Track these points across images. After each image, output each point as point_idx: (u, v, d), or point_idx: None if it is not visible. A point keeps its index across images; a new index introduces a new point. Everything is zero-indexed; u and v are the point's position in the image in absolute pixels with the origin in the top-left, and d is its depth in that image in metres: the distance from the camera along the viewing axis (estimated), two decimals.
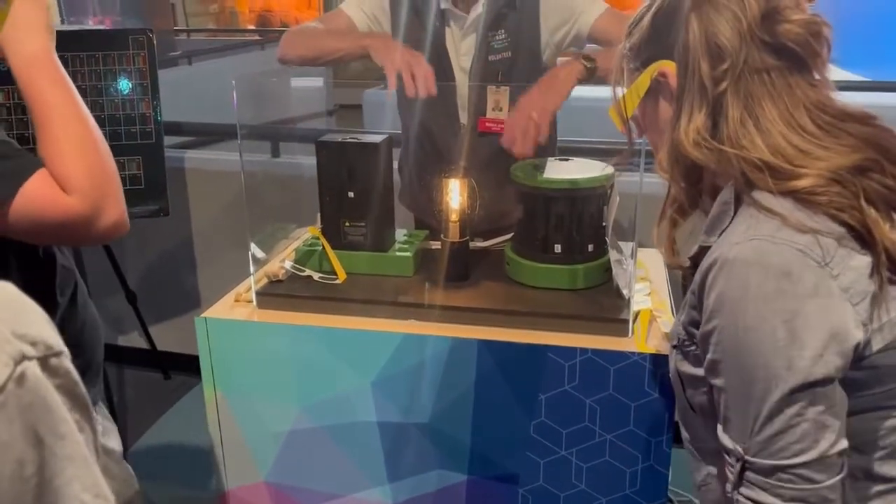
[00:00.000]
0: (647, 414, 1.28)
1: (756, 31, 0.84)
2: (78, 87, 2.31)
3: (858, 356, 0.78)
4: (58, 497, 0.39)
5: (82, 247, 1.04)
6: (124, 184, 2.28)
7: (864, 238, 0.79)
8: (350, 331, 1.37)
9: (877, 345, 0.79)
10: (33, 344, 0.40)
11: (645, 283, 1.48)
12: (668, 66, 0.91)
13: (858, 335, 0.77)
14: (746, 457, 0.80)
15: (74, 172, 0.98)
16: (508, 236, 1.57)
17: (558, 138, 1.98)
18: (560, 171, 1.47)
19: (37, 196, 0.96)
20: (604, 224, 1.45)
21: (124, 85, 2.27)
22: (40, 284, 1.10)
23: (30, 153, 0.99)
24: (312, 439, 1.44)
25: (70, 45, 2.17)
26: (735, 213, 0.86)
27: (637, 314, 1.35)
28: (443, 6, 1.72)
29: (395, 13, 1.76)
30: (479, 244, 1.68)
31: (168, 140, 2.94)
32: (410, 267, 1.50)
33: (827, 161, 0.80)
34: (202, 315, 1.42)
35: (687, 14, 0.88)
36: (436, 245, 1.55)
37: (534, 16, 1.71)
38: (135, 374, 2.98)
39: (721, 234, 0.86)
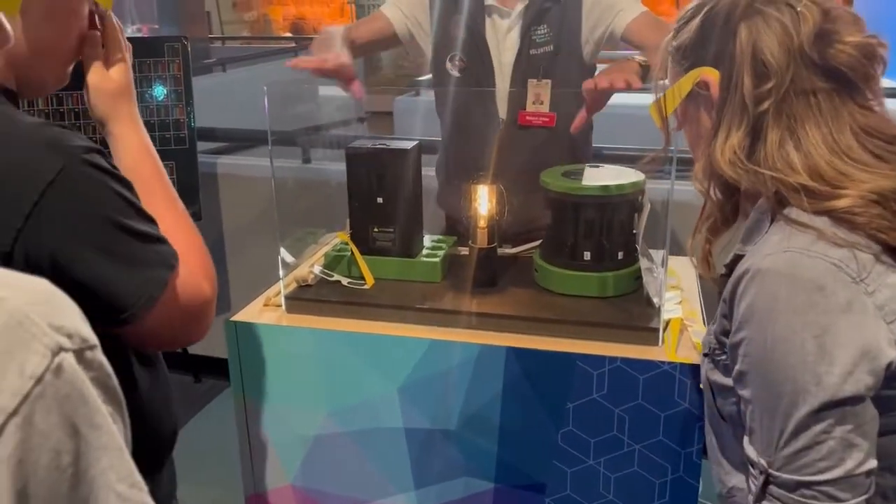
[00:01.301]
0: (677, 424, 1.26)
1: (806, 51, 0.81)
2: None
3: (891, 374, 0.76)
4: (92, 487, 0.40)
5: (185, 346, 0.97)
6: None
7: None
8: (377, 336, 1.37)
9: None
10: (69, 336, 0.41)
11: (676, 291, 1.46)
12: (712, 75, 0.88)
13: (891, 354, 0.75)
14: (770, 470, 0.78)
15: (201, 259, 0.93)
16: (537, 243, 1.56)
17: (593, 145, 1.97)
18: (591, 177, 1.46)
19: (184, 284, 0.87)
20: (634, 231, 1.44)
21: (159, 91, 2.31)
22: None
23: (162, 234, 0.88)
24: (339, 444, 1.44)
25: None
26: (772, 222, 0.84)
27: (668, 323, 1.33)
28: (487, 2, 1.72)
29: (435, 9, 1.77)
30: (508, 250, 1.68)
31: (201, 146, 2.99)
32: (438, 273, 1.50)
33: (871, 183, 0.78)
34: (231, 319, 1.43)
35: (736, 22, 0.84)
36: (465, 251, 1.55)
37: (576, 10, 1.71)
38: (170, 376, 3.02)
39: (756, 244, 0.84)
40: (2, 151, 0.77)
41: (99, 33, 0.95)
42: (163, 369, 1.02)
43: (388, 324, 1.39)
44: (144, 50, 2.27)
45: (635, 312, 1.35)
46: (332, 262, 1.53)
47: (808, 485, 0.76)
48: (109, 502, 0.41)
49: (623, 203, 1.40)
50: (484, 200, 1.45)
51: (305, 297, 1.46)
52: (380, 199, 1.48)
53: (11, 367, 0.38)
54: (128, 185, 0.84)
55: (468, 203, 1.46)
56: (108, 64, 0.96)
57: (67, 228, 0.78)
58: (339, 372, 1.40)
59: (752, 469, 0.82)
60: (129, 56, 0.99)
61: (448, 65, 1.75)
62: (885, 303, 0.75)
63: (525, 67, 1.70)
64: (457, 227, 1.93)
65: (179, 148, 2.30)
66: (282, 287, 1.46)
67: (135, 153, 0.95)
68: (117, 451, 0.42)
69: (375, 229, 1.50)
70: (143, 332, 0.85)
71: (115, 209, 0.81)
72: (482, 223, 1.46)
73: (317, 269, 1.51)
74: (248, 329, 1.43)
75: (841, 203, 0.77)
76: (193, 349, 2.89)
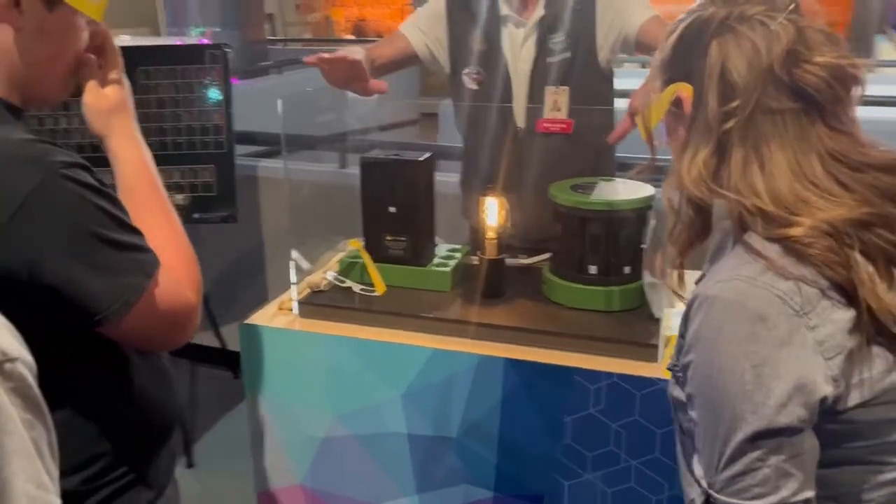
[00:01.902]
0: (674, 441, 1.25)
1: (775, 70, 0.79)
2: (157, 99, 2.43)
3: (830, 409, 0.75)
4: (5, 486, 0.45)
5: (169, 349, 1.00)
6: (197, 191, 2.43)
7: (849, 294, 0.75)
8: (383, 343, 1.40)
9: (853, 400, 0.76)
10: None
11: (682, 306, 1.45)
12: (685, 91, 0.87)
13: (826, 389, 0.74)
14: (710, 491, 0.79)
15: (188, 269, 0.97)
16: (548, 255, 1.57)
17: (618, 154, 1.96)
18: (601, 191, 1.46)
19: (164, 291, 0.90)
20: (643, 246, 1.44)
21: (210, 95, 2.40)
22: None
23: (146, 243, 0.92)
24: (346, 447, 1.48)
25: (150, 60, 2.31)
26: (734, 244, 0.84)
27: (669, 339, 1.32)
28: (503, 12, 1.74)
29: (452, 23, 1.79)
30: (523, 261, 1.69)
31: (245, 149, 3.08)
32: (448, 282, 1.52)
33: (827, 212, 0.76)
34: (246, 322, 1.49)
35: (708, 40, 0.83)
36: (477, 261, 1.57)
37: (590, 16, 1.71)
38: (206, 371, 3.12)
39: (716, 265, 0.84)
40: None
41: (93, 56, 1.00)
42: (163, 364, 1.06)
43: (395, 331, 1.43)
44: (186, 57, 2.36)
45: (637, 328, 1.35)
46: (346, 269, 1.57)
47: None
48: (19, 501, 0.45)
49: (630, 218, 1.40)
50: (492, 211, 1.47)
51: (317, 303, 1.50)
52: (392, 209, 1.51)
53: None
54: (110, 198, 0.88)
55: (477, 213, 1.48)
56: (103, 82, 1.00)
57: (43, 237, 0.82)
58: (346, 376, 1.44)
59: (697, 486, 0.83)
60: (121, 70, 1.02)
61: (465, 79, 1.77)
62: (826, 339, 0.74)
63: (542, 75, 1.71)
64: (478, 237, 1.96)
65: (218, 152, 2.38)
66: (294, 292, 1.51)
67: (131, 168, 1.00)
68: (27, 454, 0.46)
69: (388, 238, 1.54)
70: (123, 334, 0.89)
71: (91, 220, 0.85)
72: (490, 234, 1.47)
73: (330, 275, 1.56)
74: (262, 332, 1.48)
75: (794, 231, 0.76)
76: (232, 345, 2.98)
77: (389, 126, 5.21)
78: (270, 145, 2.98)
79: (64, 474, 0.90)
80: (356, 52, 1.67)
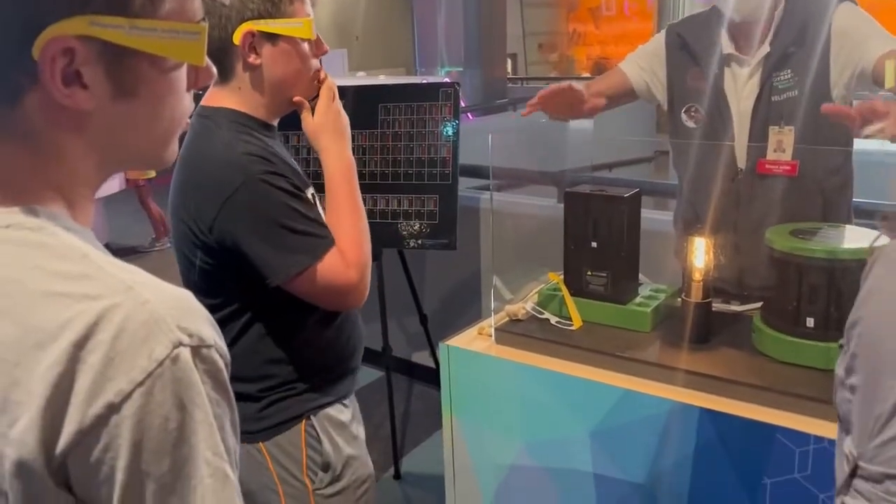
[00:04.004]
0: None
1: None
2: (393, 133, 2.65)
3: None
4: (190, 449, 0.53)
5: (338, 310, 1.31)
6: (422, 218, 2.59)
7: None
8: (575, 378, 1.40)
9: None
10: (190, 336, 0.54)
11: None
12: None
13: None
14: (860, 462, 0.73)
15: (358, 254, 1.23)
16: (760, 304, 1.46)
17: (854, 199, 1.78)
18: (824, 237, 1.34)
19: (329, 268, 1.19)
20: None
21: (442, 130, 2.57)
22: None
23: (326, 233, 1.21)
24: (532, 477, 1.49)
25: (391, 97, 2.53)
26: None
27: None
28: (725, 51, 1.68)
29: (671, 62, 1.76)
30: (733, 308, 1.59)
31: (472, 182, 3.23)
32: (648, 322, 1.48)
33: None
34: (446, 342, 1.56)
35: None
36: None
37: (825, 53, 1.58)
38: (421, 388, 3.29)
39: None
40: (216, 166, 1.18)
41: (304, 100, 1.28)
42: (346, 317, 1.35)
43: (588, 367, 1.41)
44: (422, 94, 2.54)
45: None
46: (545, 300, 1.59)
47: (895, 478, 0.69)
48: (199, 464, 0.54)
49: (854, 268, 1.26)
50: (700, 252, 1.41)
51: (514, 331, 1.54)
52: (594, 244, 1.51)
53: (144, 351, 0.52)
54: (296, 197, 1.19)
55: (684, 255, 1.43)
56: (315, 110, 1.27)
57: (242, 221, 1.16)
58: (536, 406, 1.45)
59: (844, 465, 0.76)
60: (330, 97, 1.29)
61: (684, 116, 1.72)
62: None
63: (765, 115, 1.61)
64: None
65: (443, 183, 2.52)
66: (492, 319, 1.56)
67: (332, 177, 1.27)
68: (210, 426, 0.54)
69: (589, 272, 1.53)
70: (294, 293, 1.20)
71: (278, 213, 1.16)
72: (696, 276, 1.41)
73: (529, 305, 1.58)
74: (460, 354, 1.55)
75: None
76: None
77: (622, 163, 5.15)
78: (499, 179, 3.09)
79: (243, 381, 1.22)
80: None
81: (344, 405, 1.36)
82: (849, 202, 1.69)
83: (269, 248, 1.17)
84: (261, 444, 1.28)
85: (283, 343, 1.27)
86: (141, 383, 0.51)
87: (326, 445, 1.31)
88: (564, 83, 1.65)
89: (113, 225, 5.95)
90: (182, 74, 0.63)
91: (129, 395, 0.51)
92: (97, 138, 0.60)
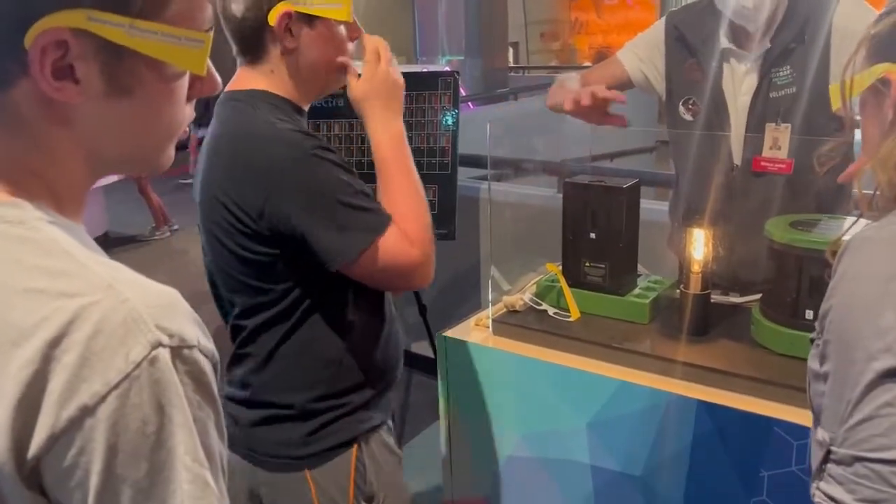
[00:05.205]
0: None
1: None
2: None
3: None
4: (168, 453, 0.51)
5: (402, 292, 1.23)
6: None
7: None
8: (572, 369, 1.39)
9: None
10: (170, 336, 0.52)
11: None
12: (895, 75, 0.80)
13: None
14: (832, 447, 0.73)
15: (417, 229, 1.14)
16: (759, 295, 1.45)
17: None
18: (824, 229, 1.33)
19: (391, 247, 1.11)
20: None
21: (441, 119, 2.55)
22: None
23: (382, 208, 1.13)
24: (530, 468, 1.49)
25: None
26: None
27: None
28: (724, 45, 1.66)
29: (670, 54, 1.74)
30: (732, 300, 1.58)
31: (472, 172, 3.21)
32: (645, 314, 1.47)
33: None
34: (443, 333, 1.56)
35: None
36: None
37: (825, 49, 1.56)
38: (420, 379, 3.29)
39: None
40: (260, 145, 1.09)
41: (347, 59, 1.20)
42: (392, 321, 1.30)
43: (585, 358, 1.41)
44: (422, 84, 2.52)
45: None
46: (542, 291, 1.58)
47: (864, 460, 0.70)
48: (177, 469, 0.52)
49: None
50: (699, 244, 1.40)
51: (511, 322, 1.53)
52: (592, 235, 1.50)
53: (121, 352, 0.50)
54: (347, 169, 1.11)
55: (682, 246, 1.42)
56: (363, 75, 1.19)
57: (296, 200, 1.07)
58: (533, 398, 1.45)
59: (817, 451, 0.77)
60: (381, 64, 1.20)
61: (681, 109, 1.70)
62: None
63: (762, 111, 1.59)
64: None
65: (442, 173, 2.51)
66: (490, 310, 1.55)
67: (378, 148, 1.18)
68: (189, 430, 0.52)
69: (587, 263, 1.52)
70: (354, 275, 1.13)
71: (331, 188, 1.08)
72: (695, 268, 1.40)
73: (527, 296, 1.58)
74: (456, 344, 1.54)
75: None
76: None
77: (624, 153, 5.13)
78: (499, 168, 3.08)
79: (292, 390, 1.18)
80: (573, 80, 1.68)
81: (389, 426, 1.30)
82: (847, 195, 1.68)
83: (328, 228, 1.08)
84: (306, 471, 1.19)
85: (335, 343, 1.19)
86: (116, 385, 0.49)
87: (372, 474, 1.24)
88: (570, 80, 1.62)
89: (112, 214, 5.94)
90: (183, 82, 0.61)
91: (103, 398, 0.49)
92: (86, 134, 0.58)
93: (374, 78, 1.18)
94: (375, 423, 1.25)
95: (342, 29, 1.18)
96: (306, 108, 1.22)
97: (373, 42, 1.20)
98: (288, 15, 1.11)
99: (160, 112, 0.61)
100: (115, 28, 0.55)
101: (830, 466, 0.74)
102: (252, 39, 1.14)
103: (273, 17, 1.11)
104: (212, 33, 0.61)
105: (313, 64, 1.17)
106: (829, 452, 0.74)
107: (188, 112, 0.64)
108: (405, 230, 1.12)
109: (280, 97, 1.16)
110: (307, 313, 1.16)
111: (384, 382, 1.28)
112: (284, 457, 1.20)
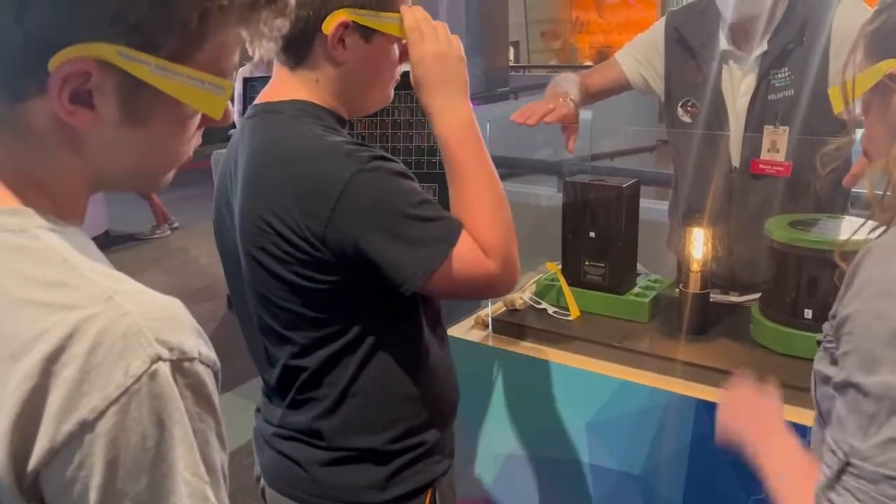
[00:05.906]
0: None
1: None
2: (394, 121, 2.64)
3: None
4: (168, 468, 0.51)
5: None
6: None
7: None
8: (572, 368, 1.39)
9: None
10: (170, 349, 0.51)
11: None
12: None
13: None
14: (852, 458, 0.69)
15: (492, 236, 0.98)
16: (759, 294, 1.46)
17: (853, 191, 1.77)
18: (824, 228, 1.33)
19: (464, 259, 0.96)
20: None
21: None
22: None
23: (450, 215, 0.99)
24: (529, 466, 1.49)
25: None
26: None
27: None
28: (723, 47, 1.66)
29: (670, 56, 1.75)
30: (731, 299, 1.58)
31: None
32: (645, 313, 1.47)
33: None
34: None
35: None
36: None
37: (824, 51, 1.56)
38: None
39: None
40: (313, 162, 0.96)
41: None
42: (447, 347, 1.18)
43: (584, 357, 1.41)
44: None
45: None
46: (542, 290, 1.59)
47: (893, 479, 0.66)
48: (178, 483, 0.52)
49: (852, 259, 1.25)
50: (698, 244, 1.40)
51: (511, 321, 1.53)
52: (592, 234, 1.50)
53: (120, 366, 0.50)
54: (409, 177, 0.98)
55: (682, 245, 1.42)
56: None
57: (360, 218, 0.94)
58: (533, 397, 1.45)
59: (829, 457, 0.72)
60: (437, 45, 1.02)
61: (680, 110, 1.71)
62: None
63: (760, 113, 1.59)
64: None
65: (442, 172, 2.50)
66: (489, 309, 1.55)
67: (445, 142, 1.03)
68: (189, 444, 0.52)
69: (586, 262, 1.52)
70: (429, 291, 0.99)
71: (396, 200, 0.95)
72: (695, 267, 1.40)
73: (527, 295, 1.58)
74: (457, 343, 1.54)
75: None
76: None
77: (624, 152, 5.13)
78: (499, 167, 3.07)
79: (370, 432, 1.07)
80: (569, 81, 1.68)
81: (452, 465, 1.18)
82: (846, 195, 1.68)
83: (400, 246, 0.95)
84: None
85: (410, 373, 1.07)
86: (116, 400, 0.49)
87: None
88: (564, 83, 1.63)
89: (113, 212, 5.94)
90: (197, 118, 0.62)
91: (103, 413, 0.49)
92: (94, 156, 0.58)
93: (423, 61, 1.01)
94: (447, 466, 1.14)
95: (396, 49, 1.04)
96: (348, 120, 1.09)
97: (411, 16, 1.02)
98: (344, 25, 0.98)
99: (171, 141, 0.61)
100: (141, 65, 0.55)
101: (848, 479, 0.70)
102: (300, 42, 1.00)
103: (329, 26, 0.97)
104: (233, 81, 0.61)
105: (363, 82, 1.04)
106: (847, 465, 0.70)
107: (196, 141, 0.64)
108: (478, 237, 0.98)
109: (324, 108, 1.03)
110: (377, 346, 1.04)
111: (450, 414, 1.17)
112: (360, 502, 1.10)
